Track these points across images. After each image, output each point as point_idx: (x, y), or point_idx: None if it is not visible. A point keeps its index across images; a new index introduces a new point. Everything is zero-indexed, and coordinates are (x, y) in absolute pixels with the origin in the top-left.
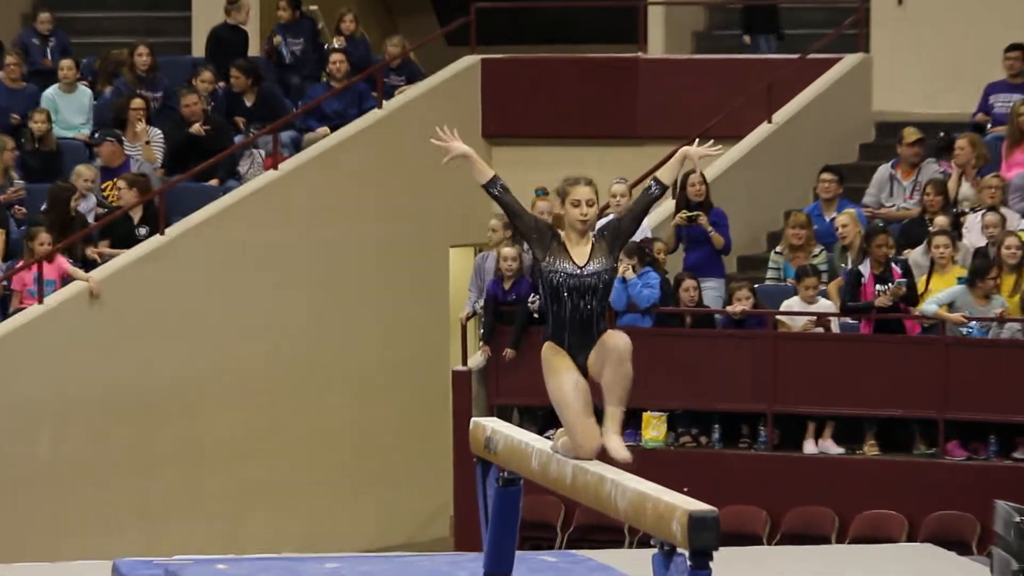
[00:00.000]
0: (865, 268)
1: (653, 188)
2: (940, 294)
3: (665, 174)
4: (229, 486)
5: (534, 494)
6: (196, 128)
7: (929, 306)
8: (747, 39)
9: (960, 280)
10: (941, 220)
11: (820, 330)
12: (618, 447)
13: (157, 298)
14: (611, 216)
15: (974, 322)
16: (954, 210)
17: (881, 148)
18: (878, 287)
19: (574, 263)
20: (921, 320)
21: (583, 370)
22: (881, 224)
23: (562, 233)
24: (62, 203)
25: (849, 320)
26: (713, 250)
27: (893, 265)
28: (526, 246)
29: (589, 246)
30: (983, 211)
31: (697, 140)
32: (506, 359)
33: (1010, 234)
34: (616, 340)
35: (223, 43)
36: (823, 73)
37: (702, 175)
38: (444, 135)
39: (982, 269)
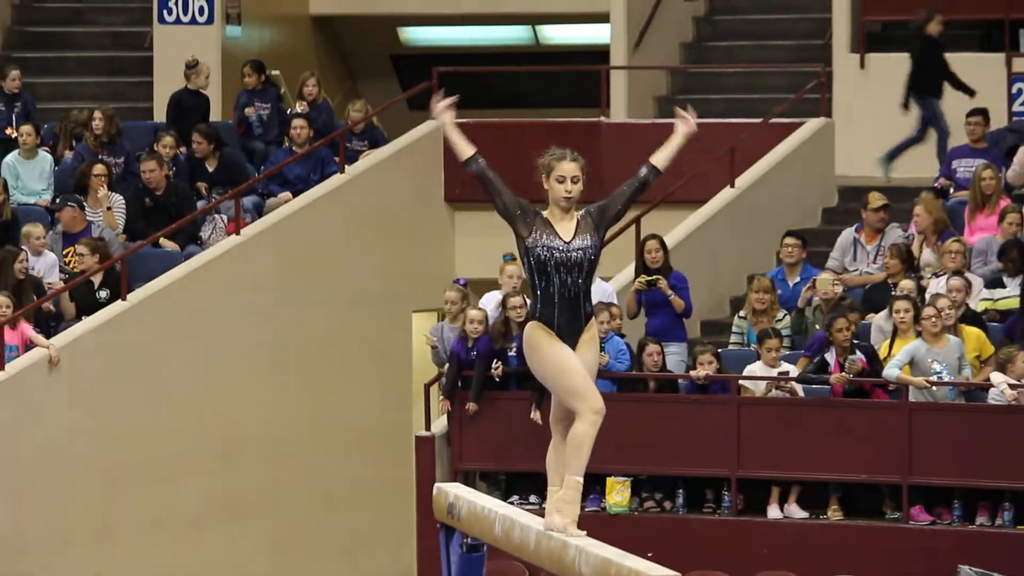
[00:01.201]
0: (831, 356)
1: (645, 171)
2: (898, 355)
3: (660, 158)
4: (190, 553)
5: (498, 559)
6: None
7: (891, 371)
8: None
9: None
10: (907, 284)
11: (784, 394)
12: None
13: (118, 364)
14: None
15: (943, 369)
16: (916, 275)
17: (844, 212)
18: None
19: (560, 238)
20: (886, 385)
21: None
22: (843, 292)
23: (544, 212)
24: (7, 267)
25: (813, 386)
26: (675, 314)
27: (858, 353)
28: (491, 310)
29: (574, 223)
30: (947, 275)
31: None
32: (469, 413)
33: (940, 297)
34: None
35: (184, 108)
36: (785, 137)
37: (660, 241)
38: (442, 101)
39: (916, 313)
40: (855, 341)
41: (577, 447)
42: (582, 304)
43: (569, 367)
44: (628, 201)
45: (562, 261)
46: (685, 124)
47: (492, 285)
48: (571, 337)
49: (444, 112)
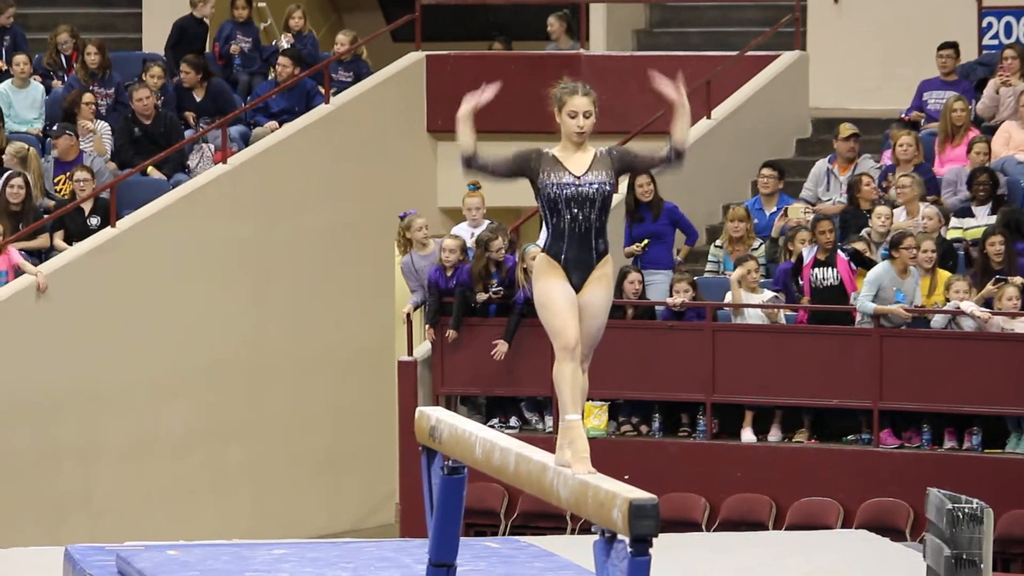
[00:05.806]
0: (808, 252)
1: (670, 157)
2: (864, 288)
3: (679, 139)
4: (178, 475)
5: (478, 482)
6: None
7: (866, 304)
8: None
9: (882, 255)
10: (882, 210)
11: (768, 321)
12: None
13: (107, 290)
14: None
15: (902, 299)
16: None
17: (817, 143)
18: (816, 271)
19: (571, 174)
20: (859, 313)
21: (576, 289)
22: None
23: (550, 150)
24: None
25: (789, 312)
26: (668, 246)
27: (840, 252)
28: (470, 237)
29: (589, 157)
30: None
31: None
32: (449, 340)
33: (927, 237)
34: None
35: (187, 35)
36: (761, 70)
37: (650, 175)
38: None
39: (897, 240)
40: (840, 245)
41: (556, 388)
42: (593, 240)
43: (553, 304)
44: (643, 170)
45: (573, 196)
46: (666, 87)
47: None
48: (579, 273)
49: (470, 100)
